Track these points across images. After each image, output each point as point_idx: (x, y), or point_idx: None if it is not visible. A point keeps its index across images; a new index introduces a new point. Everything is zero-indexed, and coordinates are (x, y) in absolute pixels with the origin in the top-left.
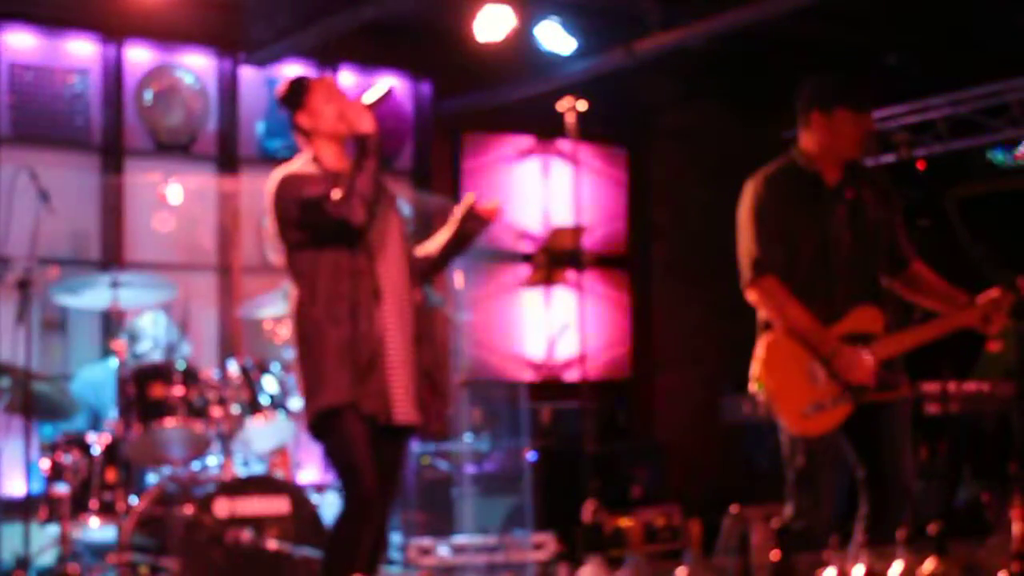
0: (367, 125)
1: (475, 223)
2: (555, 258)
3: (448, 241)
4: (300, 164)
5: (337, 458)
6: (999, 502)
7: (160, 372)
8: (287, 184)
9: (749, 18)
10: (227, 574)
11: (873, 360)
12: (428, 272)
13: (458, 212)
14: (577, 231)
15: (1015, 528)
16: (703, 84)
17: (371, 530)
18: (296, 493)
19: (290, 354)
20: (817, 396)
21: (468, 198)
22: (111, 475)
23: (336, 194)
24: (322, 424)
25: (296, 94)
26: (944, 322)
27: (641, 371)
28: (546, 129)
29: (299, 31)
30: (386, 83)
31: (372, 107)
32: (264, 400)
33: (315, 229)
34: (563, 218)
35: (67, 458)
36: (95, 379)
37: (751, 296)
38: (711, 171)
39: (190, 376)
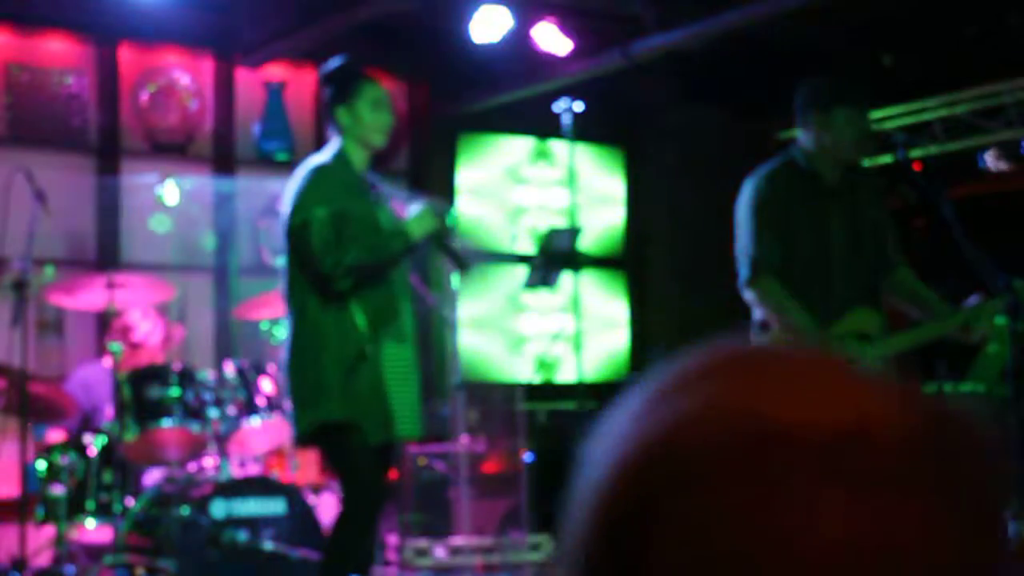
0: (380, 140)
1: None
2: (552, 259)
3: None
4: (329, 159)
5: (338, 465)
6: None
7: (157, 373)
8: (306, 195)
9: (745, 19)
10: (223, 575)
11: (868, 363)
12: None
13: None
14: (574, 232)
15: (1011, 530)
16: (699, 85)
17: (370, 533)
18: (293, 494)
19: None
20: None
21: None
22: (107, 476)
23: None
24: (320, 435)
25: (344, 87)
26: (931, 329)
27: (638, 372)
28: (542, 130)
29: (295, 32)
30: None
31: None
32: (261, 401)
33: (298, 259)
34: (559, 219)
35: (63, 459)
36: (88, 380)
37: (749, 295)
38: (708, 172)
39: (187, 377)
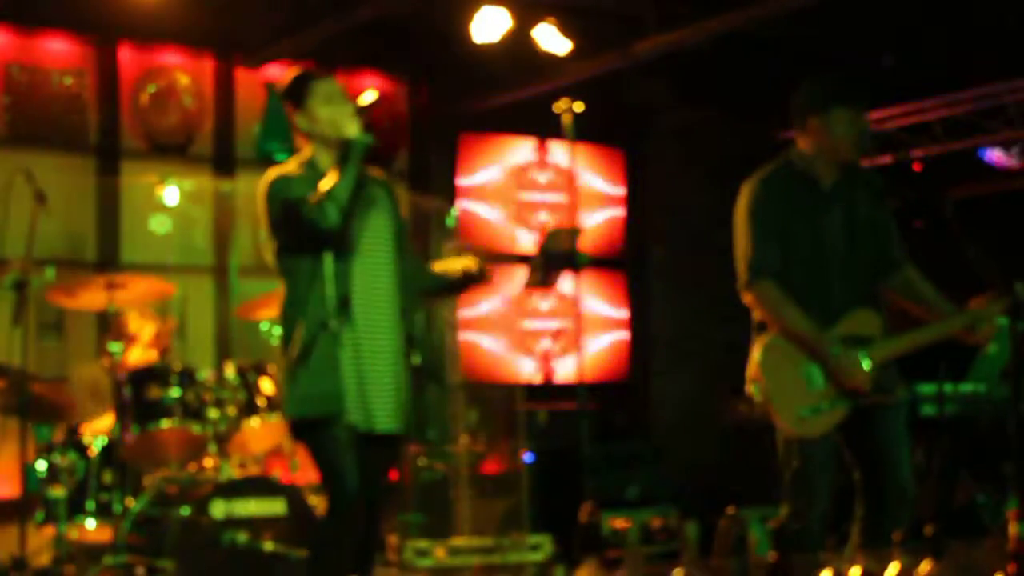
0: (353, 130)
1: (474, 280)
2: (552, 260)
3: (448, 283)
4: (294, 166)
5: (317, 460)
6: (995, 504)
7: (156, 374)
8: (276, 185)
9: (745, 20)
10: (223, 575)
11: (870, 363)
12: (427, 292)
13: (461, 265)
14: (574, 232)
15: (1011, 530)
16: (700, 86)
17: (354, 530)
18: (293, 494)
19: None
20: (813, 398)
21: (472, 262)
22: (108, 476)
23: (311, 198)
24: (300, 428)
25: (296, 93)
26: (932, 331)
27: (638, 372)
28: (543, 131)
29: (295, 32)
30: (372, 93)
31: (361, 114)
32: (261, 402)
33: (291, 231)
34: (560, 220)
35: (64, 459)
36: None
37: (747, 299)
38: (708, 173)
39: (187, 378)
